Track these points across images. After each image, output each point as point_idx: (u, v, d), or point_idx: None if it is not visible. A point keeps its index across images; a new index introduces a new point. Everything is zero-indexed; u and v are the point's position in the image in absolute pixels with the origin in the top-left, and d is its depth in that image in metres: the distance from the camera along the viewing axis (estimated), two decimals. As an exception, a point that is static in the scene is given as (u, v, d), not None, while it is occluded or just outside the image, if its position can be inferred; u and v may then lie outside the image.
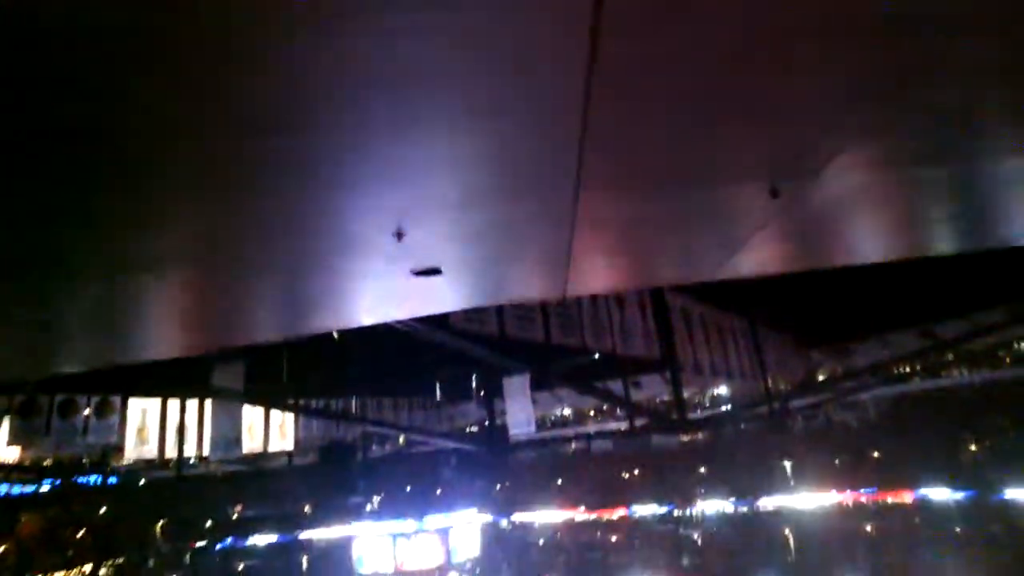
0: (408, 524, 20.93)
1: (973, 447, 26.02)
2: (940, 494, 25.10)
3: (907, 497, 26.19)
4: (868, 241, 5.95)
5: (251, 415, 15.95)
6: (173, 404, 14.90)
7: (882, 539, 26.82)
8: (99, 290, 4.34)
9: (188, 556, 33.78)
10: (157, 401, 14.72)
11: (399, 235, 3.57)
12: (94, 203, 3.05)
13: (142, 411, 14.60)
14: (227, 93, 2.38)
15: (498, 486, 36.87)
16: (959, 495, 24.59)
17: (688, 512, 31.91)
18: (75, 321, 5.02)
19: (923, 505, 25.80)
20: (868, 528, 27.37)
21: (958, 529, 25.04)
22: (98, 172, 2.79)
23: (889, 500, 26.81)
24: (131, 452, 15.02)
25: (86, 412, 13.42)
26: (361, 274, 4.97)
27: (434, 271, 4.22)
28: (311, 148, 2.82)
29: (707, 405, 30.23)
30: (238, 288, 5.00)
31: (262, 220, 3.61)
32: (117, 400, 13.88)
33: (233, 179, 3.00)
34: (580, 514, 34.32)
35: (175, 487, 27.32)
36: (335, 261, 4.56)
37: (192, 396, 14.69)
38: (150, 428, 14.64)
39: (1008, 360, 25.39)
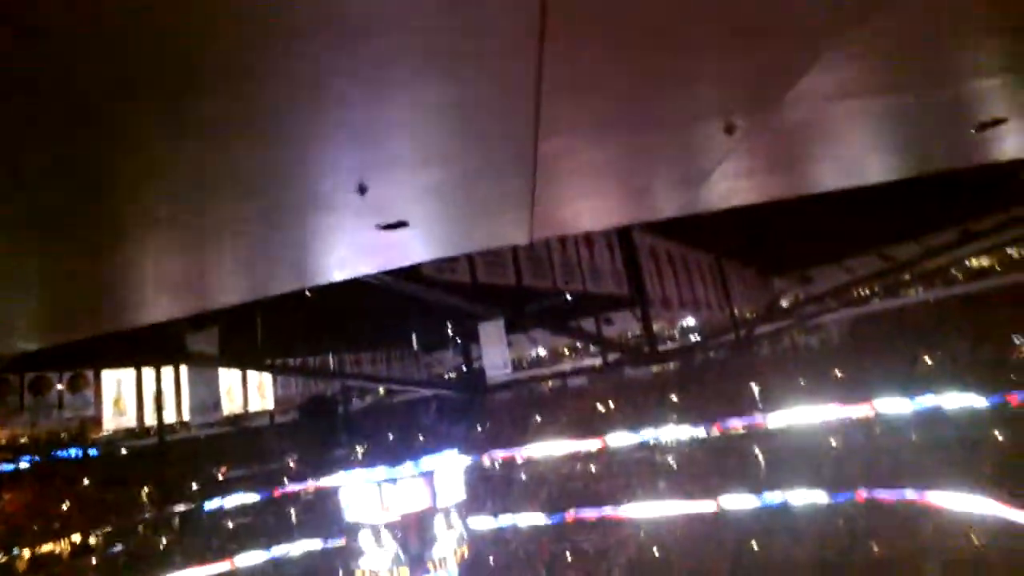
0: (392, 471, 21.41)
1: (928, 360, 27.36)
2: (897, 406, 26.52)
3: (867, 411, 27.62)
4: (823, 171, 6.13)
5: (228, 378, 15.99)
6: (148, 373, 14.84)
7: (845, 450, 28.41)
8: (61, 261, 4.28)
9: (176, 519, 34.22)
10: (131, 371, 14.64)
11: (362, 190, 3.57)
12: (49, 170, 2.97)
13: (117, 382, 14.53)
14: (186, 48, 2.33)
15: (479, 427, 37.79)
16: (914, 405, 26.04)
17: (662, 439, 33.24)
18: (40, 294, 4.95)
19: (882, 417, 27.28)
20: (832, 441, 28.91)
21: (914, 436, 26.66)
22: (50, 134, 2.69)
23: (851, 415, 28.24)
24: (109, 423, 15.02)
25: (59, 387, 13.31)
26: (327, 230, 4.98)
27: (400, 224, 4.26)
28: (269, 105, 2.79)
29: (676, 337, 31.09)
30: (204, 251, 4.96)
31: (223, 181, 3.58)
32: (90, 373, 13.77)
33: (192, 140, 2.94)
34: (559, 448, 35.50)
35: (158, 454, 27.48)
36: (300, 219, 4.55)
37: (167, 363, 14.63)
38: (126, 398, 14.61)
39: (960, 277, 26.51)
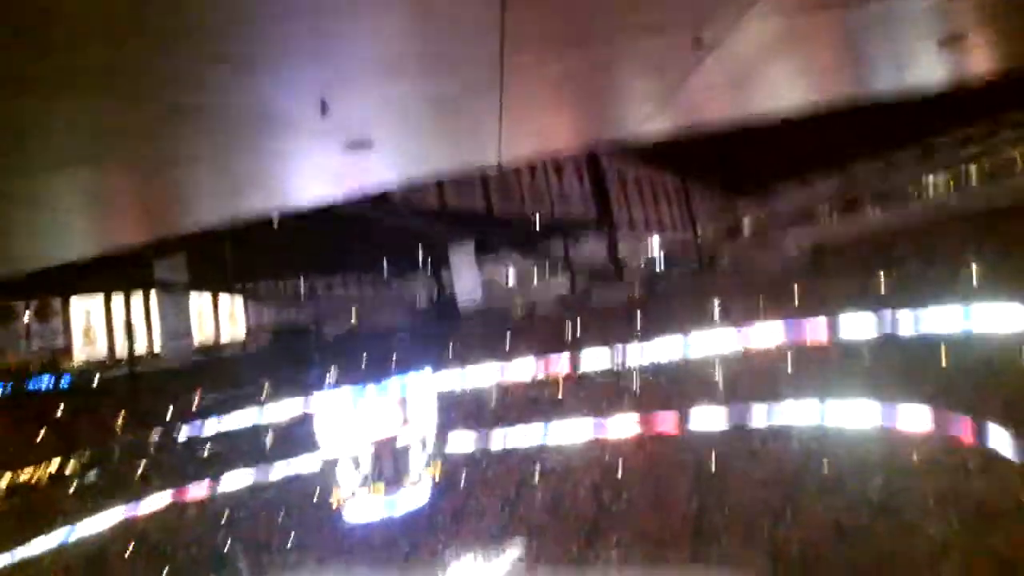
0: (365, 393, 21.91)
1: (884, 279, 28.35)
2: (854, 324, 27.70)
3: (824, 330, 28.80)
4: (789, 88, 6.21)
5: (200, 305, 15.94)
6: (118, 303, 14.67)
7: (802, 366, 29.79)
8: (29, 187, 4.24)
9: (152, 446, 34.66)
10: (100, 300, 14.46)
11: (324, 108, 3.46)
12: (17, 103, 2.91)
13: (86, 312, 14.40)
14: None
15: (450, 350, 38.51)
16: (870, 323, 27.22)
17: (628, 360, 34.34)
18: (4, 220, 4.89)
19: (838, 336, 28.50)
20: (789, 359, 30.23)
21: (868, 356, 28.01)
22: (19, 71, 2.63)
23: (807, 333, 29.42)
24: (80, 353, 14.97)
25: (26, 318, 13.12)
26: (290, 153, 4.93)
27: (365, 144, 4.24)
28: (224, 22, 2.68)
29: (642, 258, 31.63)
30: (167, 176, 4.92)
31: (181, 106, 3.51)
32: (58, 303, 13.58)
33: (143, 65, 2.87)
34: (528, 369, 36.49)
35: (131, 382, 27.44)
36: (263, 142, 4.49)
37: (135, 290, 14.48)
38: (97, 328, 14.52)
39: (918, 196, 27.24)
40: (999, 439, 20.41)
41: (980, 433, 21.43)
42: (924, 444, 23.64)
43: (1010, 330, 22.42)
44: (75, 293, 13.88)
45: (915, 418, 24.10)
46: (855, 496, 23.66)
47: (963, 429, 22.26)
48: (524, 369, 36.61)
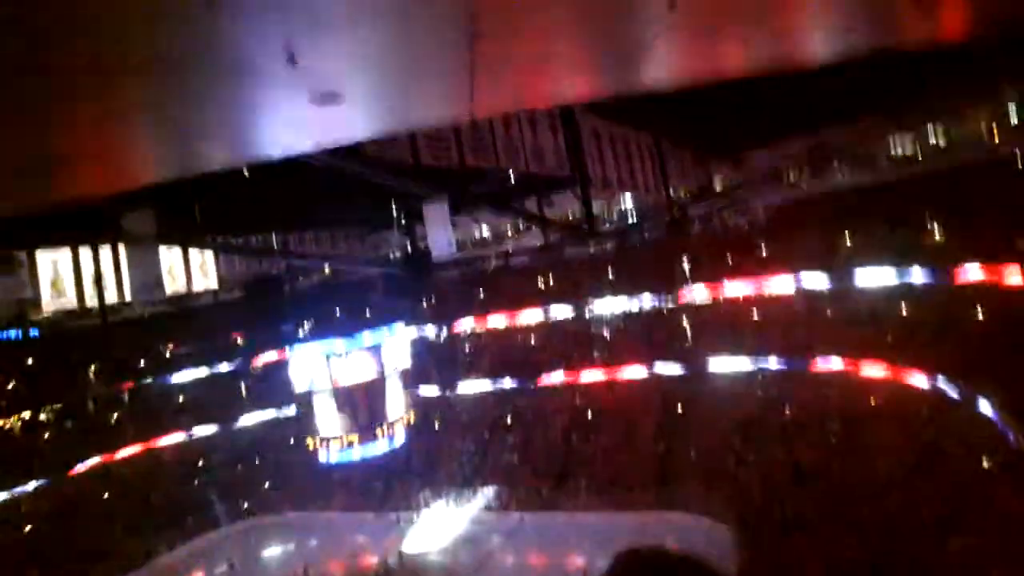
0: (340, 344, 22.12)
1: (849, 238, 29.24)
2: (818, 280, 28.68)
3: (788, 286, 29.76)
4: (766, 49, 6.35)
5: (170, 257, 15.79)
6: (86, 255, 14.50)
7: (766, 322, 30.86)
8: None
9: (126, 395, 34.69)
10: (68, 252, 14.28)
11: (291, 60, 3.36)
12: None
13: (53, 263, 14.21)
14: None
15: (424, 303, 38.82)
16: (832, 282, 28.22)
17: (598, 312, 35.14)
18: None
19: (801, 292, 29.52)
20: (754, 314, 31.27)
21: (829, 310, 29.12)
22: None
23: (772, 290, 30.38)
24: (49, 305, 14.81)
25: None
26: (257, 105, 4.78)
27: (334, 96, 4.22)
28: None
29: (615, 216, 32.01)
30: (127, 125, 4.85)
31: (139, 52, 3.39)
32: (23, 255, 13.41)
33: (100, 9, 2.74)
34: (501, 321, 37.14)
35: (102, 334, 27.27)
36: (228, 92, 4.35)
37: (103, 243, 14.32)
38: (65, 279, 14.37)
39: (885, 161, 27.87)
40: (949, 386, 21.72)
41: (933, 381, 22.73)
42: (880, 390, 25.03)
43: (964, 284, 23.60)
44: (41, 246, 13.64)
45: (873, 367, 25.39)
46: (815, 438, 25.10)
47: (917, 377, 23.56)
48: (496, 320, 37.29)
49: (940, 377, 22.33)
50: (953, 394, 21.60)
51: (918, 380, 23.65)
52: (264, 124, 5.51)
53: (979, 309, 23.06)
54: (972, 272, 23.25)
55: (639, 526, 23.70)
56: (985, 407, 19.63)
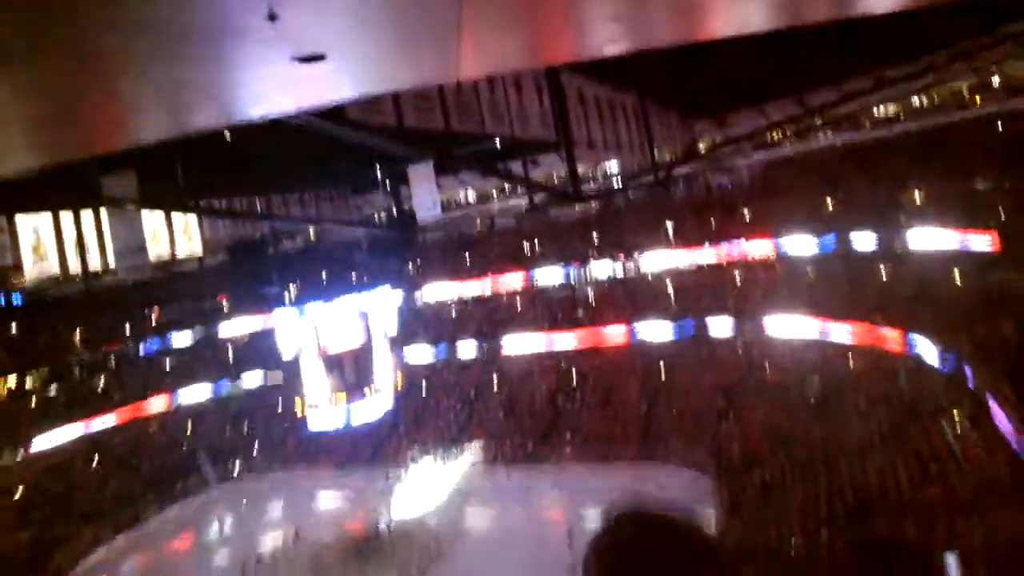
0: (326, 307, 22.14)
1: (830, 201, 29.53)
2: (800, 244, 29.00)
3: (770, 248, 30.08)
4: (754, 8, 6.37)
5: (153, 221, 15.66)
6: (68, 219, 14.33)
7: (748, 284, 31.29)
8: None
9: (112, 360, 34.57)
10: (49, 217, 14.10)
11: (272, 16, 3.25)
12: None
13: (34, 228, 14.03)
14: None
15: (410, 265, 38.80)
16: (815, 244, 28.55)
17: (583, 274, 35.39)
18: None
19: (783, 254, 29.89)
20: (736, 276, 31.67)
21: (810, 270, 29.57)
22: None
23: (755, 252, 30.70)
24: (31, 271, 14.68)
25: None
26: (238, 64, 4.67)
27: (317, 57, 4.16)
28: None
29: (600, 178, 32.01)
30: (109, 87, 4.79)
31: (119, 12, 3.35)
32: (2, 220, 13.22)
33: None
34: (487, 283, 37.29)
35: (86, 299, 27.09)
36: (208, 51, 4.25)
37: (84, 207, 14.15)
38: (47, 244, 14.22)
39: (868, 124, 27.97)
40: (926, 349, 22.27)
41: (908, 344, 23.28)
42: (858, 353, 25.63)
43: (944, 249, 24.04)
44: (21, 211, 13.43)
45: (852, 330, 25.92)
46: (794, 399, 25.78)
47: (894, 340, 24.11)
48: (481, 283, 37.43)
49: (917, 339, 22.82)
50: (930, 357, 22.06)
51: (895, 342, 24.10)
52: (246, 83, 5.43)
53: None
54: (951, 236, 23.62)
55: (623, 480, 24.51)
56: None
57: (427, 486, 28.75)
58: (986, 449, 17.14)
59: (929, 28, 15.51)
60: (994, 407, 17.23)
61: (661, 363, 31.10)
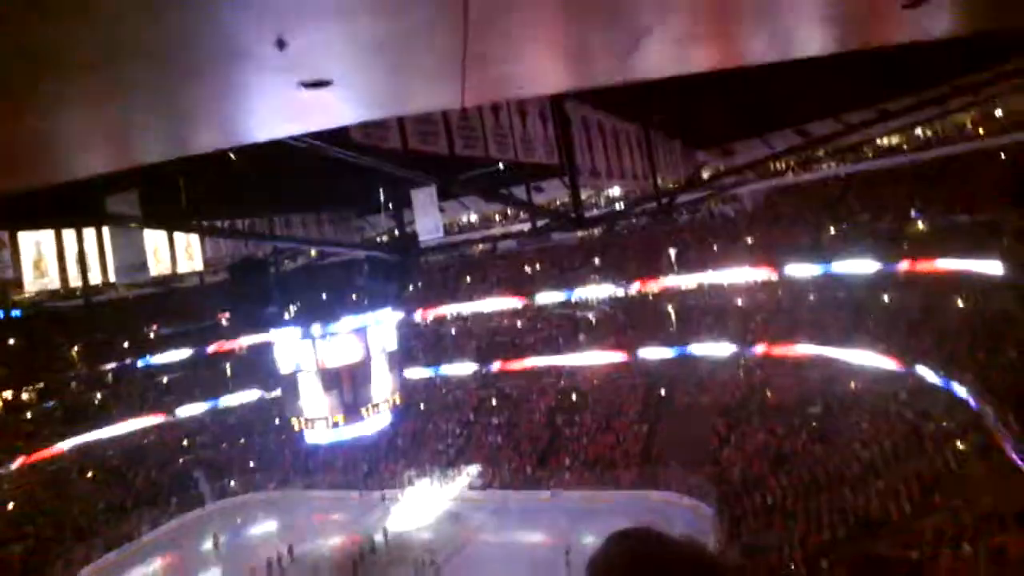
0: (325, 327, 22.02)
1: (832, 230, 29.58)
2: (801, 270, 28.99)
3: (772, 274, 30.08)
4: (756, 43, 6.42)
5: (155, 238, 15.65)
6: (69, 236, 14.32)
7: (750, 309, 31.24)
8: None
9: (110, 375, 34.41)
10: (51, 233, 14.09)
11: (281, 44, 3.44)
12: None
13: (36, 244, 14.03)
14: None
15: (411, 287, 38.77)
16: (816, 270, 28.55)
17: (584, 297, 35.35)
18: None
19: (785, 280, 29.87)
20: (739, 301, 31.63)
21: (812, 298, 29.54)
22: None
23: (757, 278, 30.71)
24: (31, 285, 14.66)
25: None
26: (245, 88, 4.75)
27: (323, 83, 4.20)
28: None
29: (602, 204, 32.11)
30: (114, 108, 4.81)
31: (126, 35, 3.38)
32: (5, 235, 13.22)
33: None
34: (488, 305, 37.25)
35: (86, 314, 27.06)
36: (216, 76, 4.30)
37: (87, 225, 14.14)
38: (48, 260, 14.20)
39: (870, 154, 28.08)
40: (927, 372, 22.14)
41: (910, 367, 23.14)
42: (860, 376, 25.51)
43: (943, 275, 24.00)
44: (23, 226, 13.44)
45: (854, 353, 25.81)
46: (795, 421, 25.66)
47: (895, 363, 23.98)
48: (483, 303, 37.39)
49: (918, 363, 22.69)
50: (932, 378, 21.91)
51: (897, 365, 23.95)
52: (253, 107, 5.47)
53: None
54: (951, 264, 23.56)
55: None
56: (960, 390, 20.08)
57: (423, 506, 28.53)
58: (989, 472, 16.96)
59: (931, 62, 15.63)
60: (997, 431, 17.08)
61: (661, 384, 31.08)
